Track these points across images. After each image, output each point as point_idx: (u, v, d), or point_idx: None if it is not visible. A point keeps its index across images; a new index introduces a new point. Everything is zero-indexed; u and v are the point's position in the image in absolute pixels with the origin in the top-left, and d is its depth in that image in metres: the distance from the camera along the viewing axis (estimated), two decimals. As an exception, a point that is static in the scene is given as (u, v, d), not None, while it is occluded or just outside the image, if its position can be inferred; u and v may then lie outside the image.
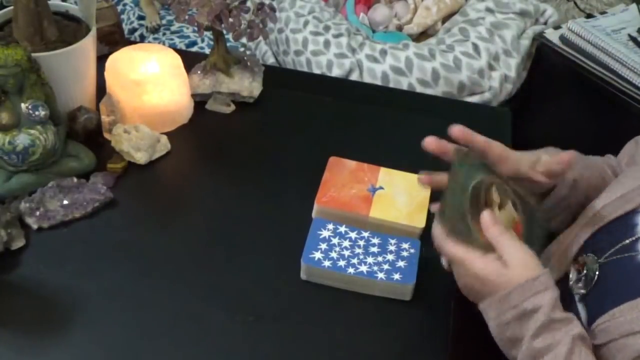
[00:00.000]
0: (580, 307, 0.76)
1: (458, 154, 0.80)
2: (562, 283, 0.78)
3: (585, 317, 0.74)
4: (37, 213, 0.95)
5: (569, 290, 0.77)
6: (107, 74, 1.08)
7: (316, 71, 1.58)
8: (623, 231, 0.75)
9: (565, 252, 0.81)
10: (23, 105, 0.94)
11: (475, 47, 1.59)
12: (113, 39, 1.22)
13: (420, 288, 0.89)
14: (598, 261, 0.75)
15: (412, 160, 0.96)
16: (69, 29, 1.06)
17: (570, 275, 0.78)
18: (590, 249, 0.78)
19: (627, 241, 0.74)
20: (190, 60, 1.17)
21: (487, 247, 0.75)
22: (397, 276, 0.88)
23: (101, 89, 1.09)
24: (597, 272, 0.75)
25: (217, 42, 1.15)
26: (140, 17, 1.77)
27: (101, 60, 1.09)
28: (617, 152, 0.97)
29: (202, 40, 1.68)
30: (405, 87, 1.54)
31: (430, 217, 0.96)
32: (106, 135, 1.08)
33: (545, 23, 1.72)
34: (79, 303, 0.86)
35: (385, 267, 0.89)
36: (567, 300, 0.75)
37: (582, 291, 0.76)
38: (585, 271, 0.76)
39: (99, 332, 0.84)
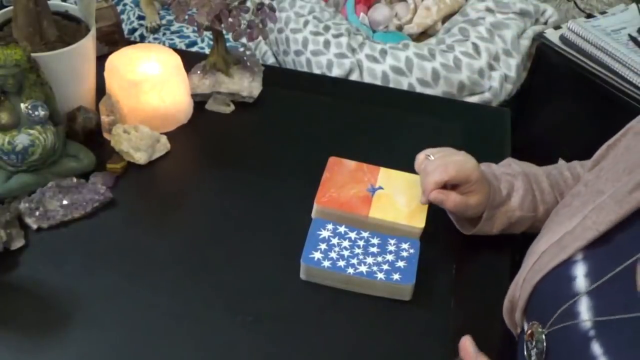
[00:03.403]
0: None
1: None
2: (520, 343, 0.74)
3: None
4: (37, 213, 0.95)
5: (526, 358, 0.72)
6: (107, 74, 1.08)
7: (316, 71, 1.58)
8: (562, 287, 0.69)
9: (516, 311, 0.76)
10: (23, 105, 0.94)
11: (475, 47, 1.59)
12: (113, 39, 1.22)
13: (420, 288, 0.89)
14: (543, 330, 0.69)
15: (412, 160, 0.96)
16: (69, 29, 1.06)
17: (525, 345, 0.72)
18: (536, 308, 0.73)
19: (568, 304, 0.67)
20: (190, 60, 1.17)
21: None
22: (396, 276, 0.88)
23: (101, 89, 1.09)
24: (544, 343, 0.69)
25: (217, 42, 1.15)
26: (140, 17, 1.77)
27: (101, 60, 1.09)
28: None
29: (202, 40, 1.68)
30: (405, 87, 1.54)
31: (430, 217, 0.96)
32: (106, 135, 1.08)
33: (545, 23, 1.72)
34: (78, 303, 0.86)
35: (385, 267, 0.89)
36: None
37: None
38: (534, 342, 0.70)
39: (99, 331, 0.84)
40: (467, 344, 0.72)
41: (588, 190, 0.76)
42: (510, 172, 0.94)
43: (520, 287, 0.75)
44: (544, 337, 0.69)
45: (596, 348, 0.62)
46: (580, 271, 0.68)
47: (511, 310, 0.79)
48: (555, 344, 0.68)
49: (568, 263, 0.70)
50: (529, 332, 0.71)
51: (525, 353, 0.72)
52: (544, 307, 0.70)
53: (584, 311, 0.65)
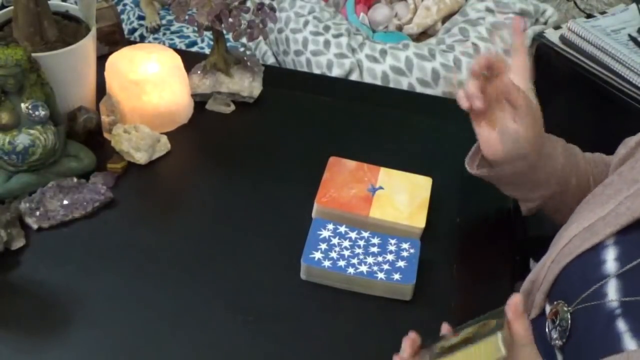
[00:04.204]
0: (558, 355, 0.71)
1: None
2: (539, 323, 0.75)
3: None
4: (37, 213, 0.95)
5: (547, 336, 0.73)
6: (107, 74, 1.08)
7: (316, 71, 1.58)
8: (591, 270, 0.71)
9: (539, 291, 0.77)
10: (23, 105, 0.94)
11: (475, 47, 1.59)
12: (113, 39, 1.22)
13: (420, 288, 0.89)
14: (569, 309, 0.70)
15: (412, 160, 0.96)
16: (69, 29, 1.06)
17: (547, 324, 0.73)
18: (562, 289, 0.74)
19: (596, 286, 0.68)
20: (190, 60, 1.17)
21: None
22: (397, 276, 0.88)
23: (101, 89, 1.09)
24: (569, 322, 0.70)
25: (217, 42, 1.15)
26: (140, 17, 1.77)
27: (101, 60, 1.09)
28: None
29: (202, 40, 1.68)
30: (405, 87, 1.54)
31: (430, 217, 0.96)
32: (106, 135, 1.08)
33: (545, 23, 1.72)
34: (79, 303, 0.86)
35: (385, 267, 0.89)
36: (544, 346, 0.72)
37: (559, 342, 0.70)
38: (558, 320, 0.71)
39: (99, 331, 0.84)
40: (518, 302, 0.63)
41: (622, 179, 0.77)
42: (552, 138, 0.94)
43: (547, 269, 0.76)
44: (568, 315, 0.70)
45: (621, 325, 0.64)
46: (610, 255, 0.70)
47: (529, 291, 0.79)
48: (580, 322, 0.69)
49: (599, 247, 0.71)
50: (554, 310, 0.72)
51: (547, 331, 0.73)
52: (572, 288, 0.71)
53: (612, 292, 0.67)
